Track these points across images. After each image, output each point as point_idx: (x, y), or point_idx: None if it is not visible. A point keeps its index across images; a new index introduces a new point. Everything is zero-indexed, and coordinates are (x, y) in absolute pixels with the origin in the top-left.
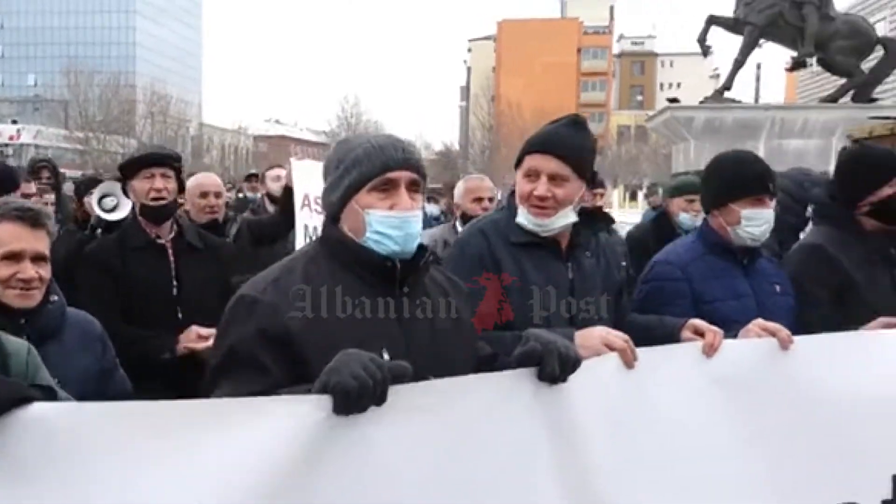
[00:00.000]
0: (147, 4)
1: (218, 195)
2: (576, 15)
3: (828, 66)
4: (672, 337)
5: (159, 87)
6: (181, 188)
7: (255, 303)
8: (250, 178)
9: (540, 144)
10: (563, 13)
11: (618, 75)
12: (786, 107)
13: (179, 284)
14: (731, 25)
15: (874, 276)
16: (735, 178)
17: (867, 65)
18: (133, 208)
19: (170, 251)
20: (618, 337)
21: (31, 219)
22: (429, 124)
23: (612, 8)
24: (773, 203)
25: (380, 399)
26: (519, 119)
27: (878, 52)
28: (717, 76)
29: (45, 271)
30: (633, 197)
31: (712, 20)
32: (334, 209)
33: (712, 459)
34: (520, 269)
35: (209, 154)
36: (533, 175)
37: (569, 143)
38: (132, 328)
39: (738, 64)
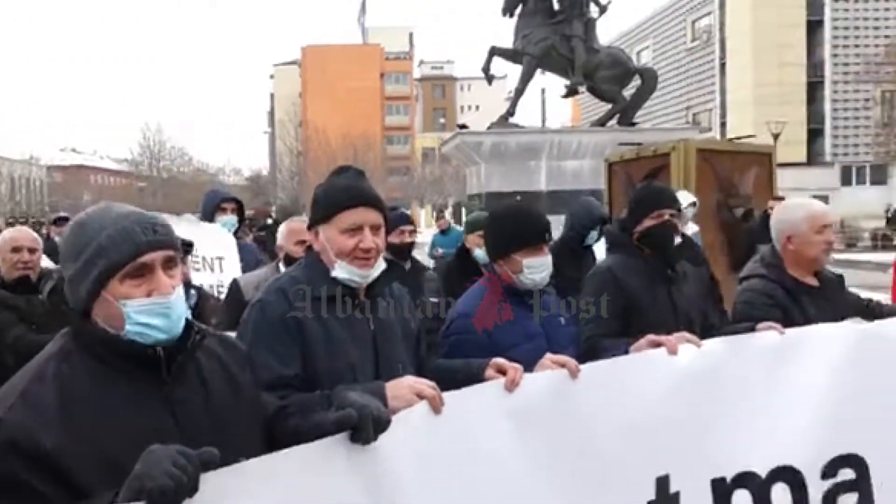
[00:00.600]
0: None
1: (32, 251)
2: (377, 41)
3: (595, 93)
4: (477, 378)
5: None
6: None
7: (1, 422)
8: (59, 221)
9: (359, 198)
10: (365, 39)
11: (421, 99)
12: (562, 131)
13: None
14: (511, 56)
15: (655, 295)
16: (514, 231)
17: (628, 92)
18: None
19: None
20: (426, 385)
21: None
22: (236, 150)
23: (411, 35)
24: (548, 248)
25: (192, 491)
26: (326, 144)
27: (637, 81)
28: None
29: None
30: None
31: (494, 51)
32: (83, 304)
33: (517, 489)
34: (323, 324)
35: None
36: (355, 229)
37: (375, 193)
38: None
39: (519, 92)
